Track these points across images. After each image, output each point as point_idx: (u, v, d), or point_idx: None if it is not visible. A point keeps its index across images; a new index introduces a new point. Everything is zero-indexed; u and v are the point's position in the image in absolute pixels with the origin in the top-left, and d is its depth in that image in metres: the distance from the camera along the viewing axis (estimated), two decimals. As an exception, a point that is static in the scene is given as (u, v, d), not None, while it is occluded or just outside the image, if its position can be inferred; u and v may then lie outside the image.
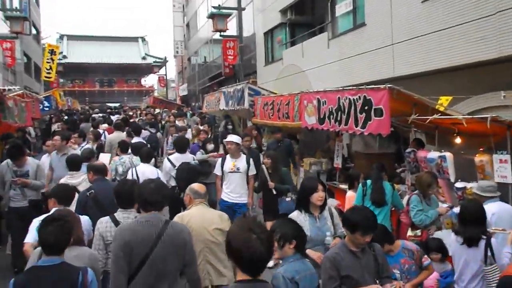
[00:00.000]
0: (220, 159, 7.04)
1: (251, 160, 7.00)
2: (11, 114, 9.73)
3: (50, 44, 24.24)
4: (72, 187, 4.90)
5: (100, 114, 23.87)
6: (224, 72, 23.26)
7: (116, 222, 3.87)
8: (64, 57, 54.07)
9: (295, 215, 4.12)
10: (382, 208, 5.83)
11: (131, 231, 3.24)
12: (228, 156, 6.98)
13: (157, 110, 27.21)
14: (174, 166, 7.17)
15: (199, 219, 4.15)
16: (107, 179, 5.73)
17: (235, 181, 6.78)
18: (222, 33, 19.12)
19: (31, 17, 28.03)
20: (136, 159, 7.39)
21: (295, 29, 16.79)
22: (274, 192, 6.76)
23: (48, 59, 22.83)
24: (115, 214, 3.99)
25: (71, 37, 59.72)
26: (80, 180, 5.88)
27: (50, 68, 23.04)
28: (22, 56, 27.74)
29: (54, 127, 15.57)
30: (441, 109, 6.79)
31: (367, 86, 6.47)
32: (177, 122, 15.08)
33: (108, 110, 27.99)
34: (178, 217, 4.14)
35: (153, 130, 13.07)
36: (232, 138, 7.01)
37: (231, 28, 20.01)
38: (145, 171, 6.68)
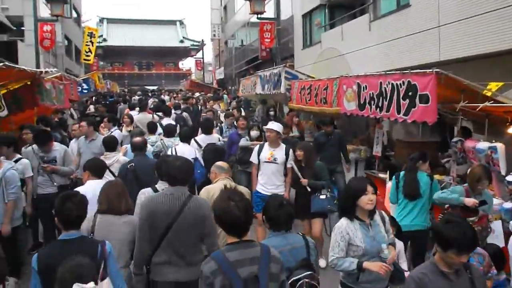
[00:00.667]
0: (257, 147, 6.57)
1: (290, 151, 6.33)
2: (49, 96, 9.82)
3: (89, 27, 24.56)
4: (104, 162, 5.25)
5: (141, 96, 24.13)
6: (261, 55, 22.94)
7: (157, 192, 4.09)
8: (104, 40, 55.08)
9: (344, 223, 3.43)
10: (417, 201, 5.41)
11: (156, 202, 3.51)
12: (266, 145, 6.46)
13: (197, 94, 27.16)
14: (201, 146, 7.48)
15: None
16: (146, 155, 6.20)
17: (270, 171, 6.25)
18: (259, 16, 18.75)
19: (72, 1, 28.47)
20: (167, 140, 7.76)
21: (334, 11, 16.24)
22: (309, 189, 5.99)
23: (87, 41, 23.16)
24: (156, 186, 4.27)
25: (110, 20, 60.64)
26: (112, 161, 6.15)
27: (89, 50, 23.38)
28: (63, 39, 28.26)
29: (91, 108, 15.72)
30: (489, 94, 6.33)
31: (411, 71, 6.09)
32: (215, 106, 14.92)
33: (148, 93, 28.30)
34: (205, 189, 4.46)
35: (178, 112, 13.09)
36: (273, 126, 6.40)
37: (269, 11, 19.64)
38: (185, 151, 6.81)
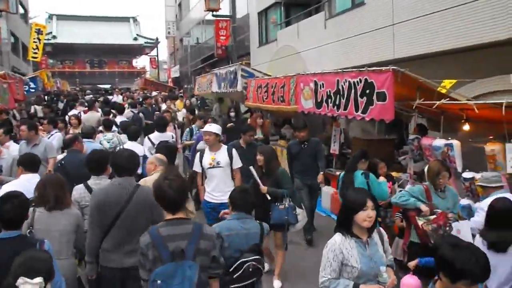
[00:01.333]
0: (198, 154, 5.94)
1: (233, 151, 5.85)
2: (-10, 96, 9.23)
3: (37, 23, 23.48)
4: (37, 156, 5.16)
5: (91, 96, 23.31)
6: (217, 53, 22.65)
7: (89, 188, 4.26)
8: (54, 37, 53.13)
9: (338, 240, 3.03)
10: None
11: (105, 192, 3.69)
12: (206, 149, 5.87)
13: (154, 93, 26.43)
14: (154, 144, 7.39)
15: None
16: (78, 151, 5.99)
17: (216, 177, 5.66)
18: (214, 13, 18.48)
19: (18, -5, 27.15)
20: (123, 136, 7.82)
21: (290, 8, 16.19)
22: (269, 198, 5.31)
23: (34, 38, 22.13)
24: (88, 182, 4.35)
25: (60, 17, 58.55)
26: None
27: (37, 48, 22.33)
28: (9, 36, 26.87)
29: (37, 109, 14.92)
30: (444, 91, 6.39)
31: (368, 68, 6.04)
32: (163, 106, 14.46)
33: (101, 92, 27.49)
34: (143, 181, 4.44)
35: (135, 111, 12.69)
36: (211, 127, 5.78)
37: (224, 8, 19.37)
38: (133, 148, 6.44)
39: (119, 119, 10.39)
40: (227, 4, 19.87)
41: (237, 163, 5.79)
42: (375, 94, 5.71)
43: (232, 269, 3.48)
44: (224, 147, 5.88)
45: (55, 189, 3.77)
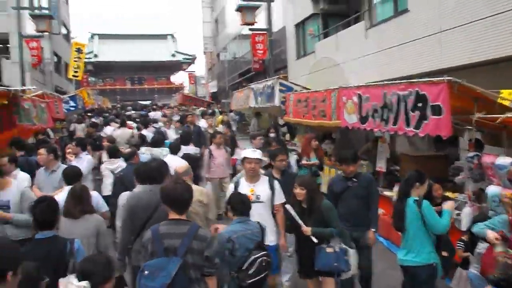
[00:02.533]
0: (231, 185, 5.13)
1: (275, 183, 4.98)
2: (28, 115, 9.20)
3: (77, 42, 23.94)
4: (78, 169, 5.44)
5: (133, 112, 23.59)
6: (254, 67, 22.43)
7: None
8: (95, 56, 54.54)
9: None
10: (405, 234, 4.35)
11: (136, 199, 4.14)
12: (242, 180, 4.99)
13: (195, 109, 26.38)
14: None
15: None
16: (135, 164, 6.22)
17: (255, 214, 4.61)
18: (250, 27, 18.26)
19: (61, 17, 27.94)
20: (155, 150, 8.15)
21: (328, 19, 15.73)
22: (315, 240, 4.37)
23: (75, 57, 22.53)
24: (134, 189, 4.52)
25: (102, 36, 60.09)
26: (116, 166, 7.04)
27: (78, 66, 22.74)
28: (52, 55, 27.67)
29: (79, 128, 15.01)
30: (506, 103, 5.77)
31: (419, 80, 5.53)
32: (201, 122, 14.12)
33: (144, 108, 27.90)
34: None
35: (157, 126, 13.44)
36: (254, 153, 4.93)
37: (260, 22, 19.12)
38: (173, 161, 6.67)
39: (144, 132, 11.22)
40: (263, 17, 19.65)
41: (280, 197, 4.94)
42: (428, 108, 5.19)
43: (246, 266, 3.72)
44: (265, 178, 5.02)
45: (67, 202, 4.21)
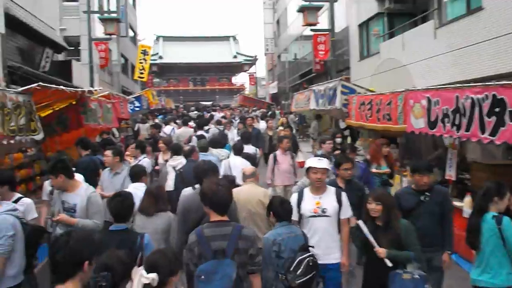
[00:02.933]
0: (295, 195, 4.64)
1: (343, 195, 4.52)
2: (94, 115, 9.50)
3: (143, 44, 24.76)
4: (143, 167, 6.05)
5: (195, 113, 24.05)
6: (315, 68, 22.10)
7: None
8: (160, 57, 56.28)
9: None
10: (480, 253, 3.96)
11: (190, 199, 4.29)
12: (307, 191, 4.56)
13: (254, 110, 26.54)
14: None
15: (246, 193, 5.13)
16: (194, 161, 6.79)
17: (320, 230, 4.36)
18: (312, 27, 17.96)
19: (128, 20, 29.00)
20: (215, 150, 8.39)
21: (394, 19, 15.13)
22: (389, 264, 3.88)
23: (141, 59, 23.23)
24: (195, 185, 4.67)
25: (166, 38, 61.96)
26: (177, 163, 7.21)
27: (143, 68, 23.41)
28: (119, 57, 28.80)
29: (142, 127, 15.44)
30: None
31: (497, 83, 5.08)
32: (261, 124, 14.19)
33: (208, 108, 28.48)
34: (235, 190, 4.78)
35: (221, 127, 13.89)
36: (322, 163, 4.47)
37: (323, 22, 18.79)
38: (236, 162, 7.37)
39: (199, 133, 11.64)
40: (325, 18, 19.31)
41: (347, 211, 4.52)
42: (507, 113, 4.75)
43: (293, 267, 3.71)
44: (331, 189, 4.56)
45: (143, 200, 4.68)
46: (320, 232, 4.29)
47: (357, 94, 9.77)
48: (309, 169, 4.49)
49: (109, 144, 9.66)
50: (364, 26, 17.34)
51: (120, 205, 3.86)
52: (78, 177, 5.15)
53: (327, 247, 4.37)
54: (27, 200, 4.64)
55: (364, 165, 7.21)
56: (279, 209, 4.00)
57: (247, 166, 6.42)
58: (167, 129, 13.81)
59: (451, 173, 7.29)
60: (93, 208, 4.57)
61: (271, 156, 8.49)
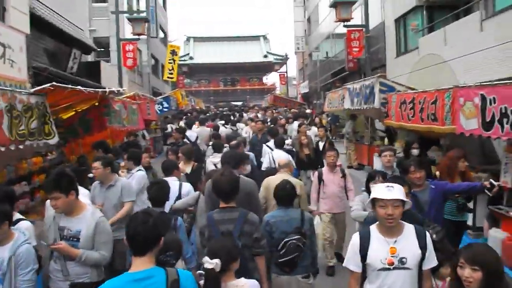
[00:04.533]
0: (355, 237, 3.31)
1: (427, 237, 3.19)
2: (119, 117, 9.12)
3: (172, 44, 24.53)
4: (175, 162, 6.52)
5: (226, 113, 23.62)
6: (348, 66, 21.30)
7: None
8: (191, 58, 56.39)
9: None
10: None
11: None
12: (375, 231, 3.22)
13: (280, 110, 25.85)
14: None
15: (277, 181, 4.91)
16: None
17: (396, 286, 3.09)
18: (346, 23, 17.23)
19: (158, 21, 28.90)
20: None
21: (433, 12, 14.21)
22: None
23: (170, 59, 22.95)
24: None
25: (197, 39, 62.02)
26: (219, 159, 6.81)
27: (172, 68, 23.14)
28: (150, 58, 28.71)
29: (173, 128, 15.06)
30: None
31: None
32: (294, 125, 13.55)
33: (236, 108, 28.06)
34: (265, 180, 5.91)
35: (234, 128, 13.59)
36: (389, 192, 3.13)
37: (356, 18, 18.01)
38: (280, 155, 7.70)
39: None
40: (359, 13, 18.52)
41: (432, 259, 3.19)
42: None
43: (279, 247, 4.07)
44: (410, 229, 3.20)
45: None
46: None
47: (397, 92, 9.03)
48: (374, 201, 3.19)
49: (134, 147, 9.28)
50: (401, 20, 16.45)
51: (159, 191, 4.50)
52: (83, 194, 4.54)
53: None
54: (26, 224, 4.05)
55: (439, 185, 5.26)
56: (280, 195, 4.37)
57: (287, 158, 7.13)
58: (190, 135, 11.40)
59: (506, 179, 6.48)
60: (101, 237, 3.71)
61: (315, 174, 6.95)
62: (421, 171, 5.06)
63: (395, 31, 16.90)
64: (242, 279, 3.10)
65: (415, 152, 6.90)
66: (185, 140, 10.32)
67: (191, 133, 11.16)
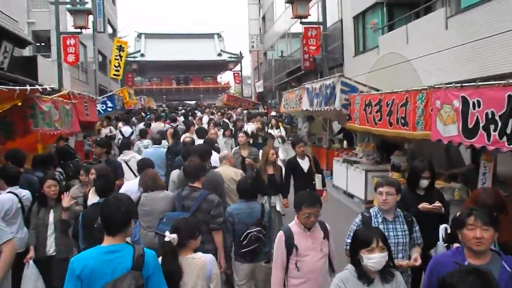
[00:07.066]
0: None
1: None
2: (49, 119, 7.88)
3: (118, 39, 22.94)
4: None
5: (183, 111, 22.52)
6: (304, 65, 20.60)
7: None
8: (142, 55, 54.40)
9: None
10: None
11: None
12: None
13: (239, 110, 24.83)
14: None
15: (221, 173, 5.86)
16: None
17: None
18: (302, 20, 16.50)
19: (106, 15, 27.25)
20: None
21: (394, 9, 13.72)
22: None
23: (116, 55, 21.43)
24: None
25: (148, 35, 60.04)
26: (130, 157, 7.54)
27: (119, 65, 21.60)
28: (96, 54, 26.98)
29: (105, 131, 13.76)
30: None
31: None
32: (249, 125, 12.70)
33: (189, 108, 26.92)
34: (211, 172, 5.77)
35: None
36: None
37: (313, 15, 17.33)
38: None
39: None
40: (316, 10, 17.87)
41: None
42: None
43: (242, 238, 4.35)
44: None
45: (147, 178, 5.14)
46: None
47: (360, 93, 8.29)
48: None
49: (66, 154, 8.02)
50: (359, 18, 15.90)
51: (152, 180, 4.97)
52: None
53: None
54: None
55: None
56: (242, 189, 4.68)
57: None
58: (125, 130, 13.32)
59: (484, 191, 5.83)
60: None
61: (280, 233, 3.80)
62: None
63: (353, 29, 16.33)
64: (199, 253, 3.43)
65: (424, 183, 4.62)
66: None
67: (126, 129, 12.05)
